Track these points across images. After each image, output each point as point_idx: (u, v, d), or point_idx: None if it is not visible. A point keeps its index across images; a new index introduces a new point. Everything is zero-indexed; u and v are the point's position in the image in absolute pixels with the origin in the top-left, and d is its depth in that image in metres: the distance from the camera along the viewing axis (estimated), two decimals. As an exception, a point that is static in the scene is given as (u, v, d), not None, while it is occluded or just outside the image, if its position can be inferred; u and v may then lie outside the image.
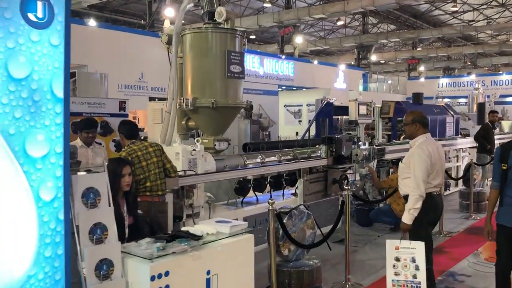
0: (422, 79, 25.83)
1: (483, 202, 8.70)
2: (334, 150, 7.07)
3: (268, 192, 6.94)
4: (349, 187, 7.46)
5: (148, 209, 4.51)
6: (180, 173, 5.06)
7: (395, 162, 8.10)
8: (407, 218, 4.20)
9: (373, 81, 27.07)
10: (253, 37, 31.75)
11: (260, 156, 6.48)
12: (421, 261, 3.80)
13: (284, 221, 4.37)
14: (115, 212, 3.72)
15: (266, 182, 6.68)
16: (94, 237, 3.00)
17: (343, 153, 7.16)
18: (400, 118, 12.71)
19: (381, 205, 7.89)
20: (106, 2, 21.77)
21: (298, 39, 21.69)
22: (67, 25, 2.89)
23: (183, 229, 3.59)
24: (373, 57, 26.28)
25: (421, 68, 29.31)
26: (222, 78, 5.61)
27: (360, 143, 7.89)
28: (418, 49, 30.08)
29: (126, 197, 3.88)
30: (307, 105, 20.37)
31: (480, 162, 9.79)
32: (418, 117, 4.44)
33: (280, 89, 20.23)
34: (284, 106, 21.45)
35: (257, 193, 6.65)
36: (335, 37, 29.72)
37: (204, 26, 5.81)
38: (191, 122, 6.03)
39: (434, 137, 11.66)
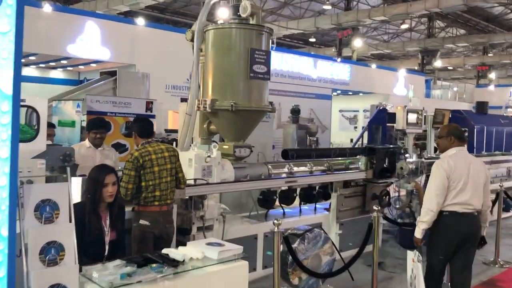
0: (491, 87, 23.86)
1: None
2: (374, 162, 6.31)
3: (299, 204, 6.32)
4: (391, 204, 6.71)
5: (156, 219, 4.06)
6: (190, 181, 4.57)
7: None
8: (417, 231, 4.05)
9: (437, 88, 25.41)
10: (313, 40, 31.00)
11: (287, 166, 5.86)
12: (420, 282, 3.68)
13: (295, 245, 3.74)
14: (94, 226, 3.29)
15: (295, 194, 6.06)
16: (47, 258, 2.55)
17: (385, 165, 6.38)
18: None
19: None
20: (168, 4, 21.96)
21: (357, 42, 20.69)
22: (20, 9, 2.46)
23: (164, 251, 3.07)
24: (438, 63, 24.60)
25: (492, 75, 27.16)
26: (244, 78, 5.06)
27: (407, 155, 7.05)
28: (489, 54, 27.96)
29: (110, 209, 3.43)
30: (363, 110, 19.38)
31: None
32: (453, 130, 4.25)
33: (335, 93, 19.41)
34: (339, 111, 20.56)
35: (284, 205, 6.04)
36: (399, 41, 28.27)
37: (229, 22, 5.28)
38: (213, 126, 5.53)
39: (500, 151, 10.51)
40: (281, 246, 3.64)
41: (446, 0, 17.09)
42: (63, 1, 20.87)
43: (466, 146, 4.80)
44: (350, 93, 19.41)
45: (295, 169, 5.92)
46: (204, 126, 5.61)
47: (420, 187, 6.79)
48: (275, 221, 3.58)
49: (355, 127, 19.74)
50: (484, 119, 11.59)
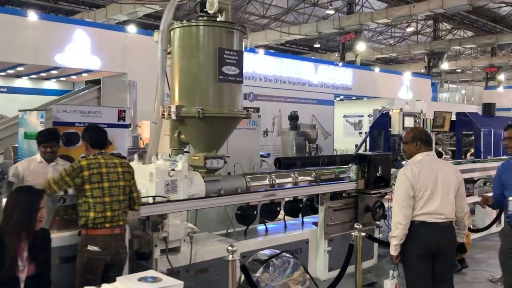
0: (500, 89, 23.00)
1: None
2: (366, 170, 5.68)
3: (284, 219, 5.71)
4: (386, 216, 6.06)
5: (108, 244, 3.49)
6: (148, 199, 4.00)
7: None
8: (390, 247, 3.68)
9: (445, 91, 24.61)
10: (317, 45, 30.43)
11: (269, 178, 5.26)
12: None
13: (257, 274, 3.14)
14: (8, 262, 2.71)
15: (279, 208, 5.44)
16: None
17: (378, 174, 5.74)
18: (466, 132, 10.90)
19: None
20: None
21: (360, 46, 20.08)
22: None
23: (85, 290, 2.49)
24: (445, 65, 23.84)
25: (501, 76, 26.28)
26: (213, 82, 4.49)
27: (403, 162, 6.41)
28: (498, 55, 27.10)
29: (33, 237, 2.85)
30: (368, 115, 18.70)
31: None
32: (419, 134, 3.84)
33: (338, 99, 18.77)
34: (344, 116, 19.90)
35: (266, 221, 5.43)
36: (405, 44, 27.55)
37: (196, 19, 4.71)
38: (183, 135, 4.96)
39: (509, 156, 9.73)
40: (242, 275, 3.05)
41: (450, 0, 16.41)
42: (64, 13, 20.63)
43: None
44: (354, 98, 18.75)
45: (278, 180, 5.33)
46: (175, 135, 5.04)
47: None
48: (229, 248, 2.98)
49: (360, 133, 19.04)
50: (491, 122, 10.87)
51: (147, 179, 4.18)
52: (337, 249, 5.54)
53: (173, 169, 4.20)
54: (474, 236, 7.28)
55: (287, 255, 3.31)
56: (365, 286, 5.32)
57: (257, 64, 14.11)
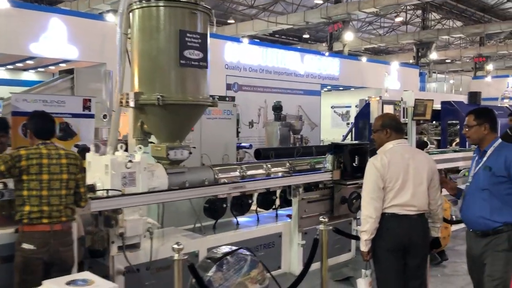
0: (488, 78, 22.81)
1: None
2: (342, 160, 5.41)
3: (256, 212, 5.44)
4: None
5: (45, 242, 3.19)
6: (102, 193, 3.70)
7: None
8: (360, 243, 3.46)
9: (433, 81, 24.38)
10: (306, 36, 30.06)
11: (239, 169, 4.98)
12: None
13: (210, 273, 2.85)
14: None
15: (250, 201, 5.17)
16: None
17: (355, 164, 5.48)
18: (451, 121, 10.67)
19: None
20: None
21: (348, 36, 19.75)
22: None
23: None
24: (434, 55, 23.57)
25: (489, 66, 26.09)
26: (174, 66, 4.17)
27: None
28: (487, 45, 26.89)
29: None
30: (356, 106, 18.43)
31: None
32: (389, 121, 3.57)
33: (326, 89, 18.49)
34: (332, 107, 19.63)
35: (237, 214, 5.16)
36: (394, 35, 27.25)
37: None
38: (146, 125, 4.64)
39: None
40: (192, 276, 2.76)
41: (437, -11, 16.12)
42: (47, 3, 20.10)
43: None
44: (341, 88, 18.48)
45: (249, 172, 5.04)
46: (138, 124, 4.72)
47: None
48: (175, 246, 2.70)
49: (348, 123, 18.79)
50: (477, 111, 10.63)
51: (102, 172, 3.89)
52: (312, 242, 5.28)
53: (130, 161, 3.90)
54: (456, 227, 7.05)
55: (244, 252, 3.03)
56: (341, 280, 5.09)
57: (242, 53, 13.77)
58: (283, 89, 14.95)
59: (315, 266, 4.33)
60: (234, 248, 3.03)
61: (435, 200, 3.52)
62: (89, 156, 4.10)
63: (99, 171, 3.90)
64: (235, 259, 2.89)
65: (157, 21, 4.20)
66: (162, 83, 4.19)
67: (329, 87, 17.90)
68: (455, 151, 7.44)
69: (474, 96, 11.11)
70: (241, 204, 5.06)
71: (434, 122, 11.48)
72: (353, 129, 12.56)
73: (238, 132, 11.49)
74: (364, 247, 3.38)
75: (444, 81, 24.32)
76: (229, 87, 13.59)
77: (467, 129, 3.32)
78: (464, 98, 21.50)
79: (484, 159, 3.22)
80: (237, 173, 4.93)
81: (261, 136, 13.69)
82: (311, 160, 5.78)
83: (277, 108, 11.93)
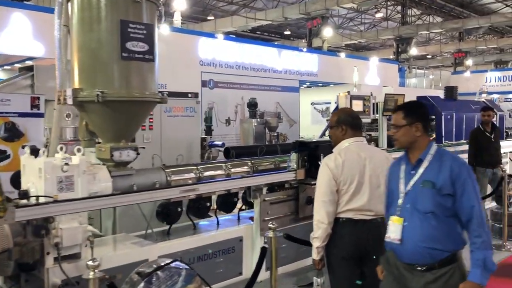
0: (467, 73, 22.73)
1: (526, 227, 6.36)
2: (306, 159, 5.09)
3: (215, 215, 5.11)
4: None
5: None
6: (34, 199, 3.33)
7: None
8: (312, 250, 3.15)
9: (413, 76, 24.26)
10: (288, 32, 29.77)
11: (195, 170, 4.63)
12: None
13: (137, 291, 2.51)
14: None
15: (208, 203, 4.83)
16: None
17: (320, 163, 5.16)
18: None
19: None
20: None
21: (327, 32, 19.47)
22: None
23: None
24: (414, 51, 23.44)
25: (469, 62, 26.05)
26: (116, 60, 3.81)
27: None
28: (466, 40, 26.84)
29: None
30: (335, 102, 18.18)
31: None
32: (344, 117, 3.24)
33: (305, 86, 18.20)
34: (311, 104, 19.34)
35: (195, 218, 4.82)
36: (374, 30, 27.10)
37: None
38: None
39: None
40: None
41: (415, -17, 15.91)
42: None
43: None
44: (320, 84, 18.19)
45: (206, 173, 4.70)
46: (83, 124, 4.36)
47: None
48: (90, 263, 2.35)
49: (327, 120, 18.53)
50: (453, 106, 10.42)
51: (36, 175, 3.51)
52: (279, 247, 4.96)
53: (66, 164, 3.53)
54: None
55: (180, 265, 2.69)
56: (304, 286, 4.79)
57: (217, 50, 13.39)
58: (260, 86, 14.59)
59: (280, 270, 4.04)
60: (168, 261, 2.68)
61: None
62: (23, 158, 3.73)
63: (34, 175, 3.53)
64: (166, 274, 2.55)
65: (97, 11, 3.83)
66: (103, 78, 3.83)
67: (308, 83, 17.60)
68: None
69: (450, 91, 10.88)
70: (198, 208, 4.71)
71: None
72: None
73: (211, 130, 11.22)
74: (316, 255, 3.09)
75: (423, 76, 24.19)
76: (204, 84, 13.20)
77: (394, 130, 2.66)
78: (443, 93, 21.47)
79: (420, 171, 2.49)
80: (192, 175, 4.59)
81: (238, 134, 13.34)
82: (276, 159, 5.45)
83: (252, 105, 11.62)
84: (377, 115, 6.45)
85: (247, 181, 4.60)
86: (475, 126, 10.84)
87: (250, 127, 11.23)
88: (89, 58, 3.85)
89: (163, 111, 5.95)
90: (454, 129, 10.08)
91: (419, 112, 2.58)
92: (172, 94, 6.09)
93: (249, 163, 5.12)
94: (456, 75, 23.56)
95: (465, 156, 7.23)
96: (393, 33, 23.39)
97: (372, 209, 3.06)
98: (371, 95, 6.10)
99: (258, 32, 30.93)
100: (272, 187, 5.00)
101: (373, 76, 18.63)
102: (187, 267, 2.67)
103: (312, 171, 5.08)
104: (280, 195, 5.01)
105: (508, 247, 6.01)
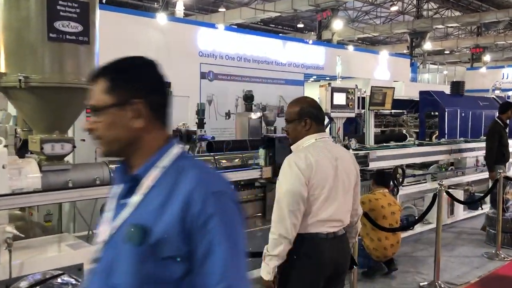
0: (483, 69, 21.74)
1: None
2: (274, 156, 4.59)
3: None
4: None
5: None
6: None
7: (380, 174, 5.44)
8: (263, 269, 2.47)
9: (426, 72, 23.37)
10: (301, 25, 29.08)
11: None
12: None
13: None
14: None
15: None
16: None
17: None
18: (430, 112, 9.81)
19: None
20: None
21: (337, 24, 18.79)
22: None
23: None
24: (428, 45, 22.55)
25: (486, 57, 24.99)
26: (42, 41, 3.36)
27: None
28: (485, 35, 25.75)
29: None
30: (318, 98, 17.49)
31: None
32: (308, 108, 2.61)
33: (312, 79, 17.60)
34: (318, 98, 18.72)
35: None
36: (387, 24, 26.22)
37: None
38: (25, 112, 3.85)
39: (477, 138, 8.68)
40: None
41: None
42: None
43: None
44: (328, 78, 17.54)
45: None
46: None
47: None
48: None
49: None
50: (458, 102, 9.74)
51: None
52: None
53: (-20, 156, 3.11)
54: (421, 228, 6.25)
55: (66, 279, 2.24)
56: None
57: (217, 41, 12.92)
58: (263, 79, 14.08)
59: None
60: (56, 273, 2.24)
61: (356, 209, 2.71)
62: None
63: None
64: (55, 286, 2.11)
65: (23, -14, 3.38)
66: (30, 62, 3.38)
67: (315, 77, 16.99)
68: (418, 145, 6.60)
69: (456, 86, 10.18)
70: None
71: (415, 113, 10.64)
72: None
73: (203, 123, 10.72)
74: (270, 275, 2.44)
75: (437, 71, 23.28)
76: (203, 75, 12.77)
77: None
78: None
79: (134, 200, 1.27)
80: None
81: (232, 128, 12.91)
82: (244, 155, 4.97)
83: (248, 97, 11.08)
84: (363, 110, 5.90)
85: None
86: (483, 123, 10.21)
87: (245, 121, 10.73)
88: (13, 39, 3.41)
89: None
90: (458, 126, 9.41)
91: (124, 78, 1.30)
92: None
93: (212, 159, 4.64)
94: (471, 71, 22.58)
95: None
96: (407, 27, 22.54)
97: (341, 219, 2.54)
98: (356, 87, 5.56)
99: (271, 25, 30.36)
100: (236, 186, 4.52)
101: (383, 71, 17.91)
102: (76, 281, 2.21)
103: (277, 168, 4.58)
104: (245, 195, 4.53)
105: (502, 255, 5.42)
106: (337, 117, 5.36)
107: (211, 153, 4.78)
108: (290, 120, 2.64)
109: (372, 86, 5.94)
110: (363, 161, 5.25)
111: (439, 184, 4.63)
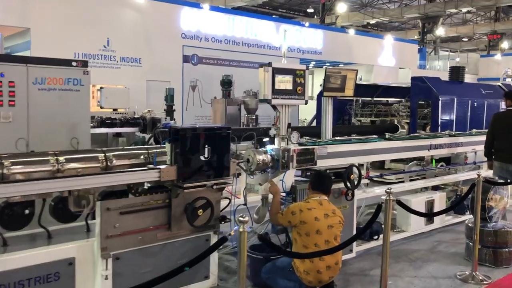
0: (497, 56, 20.04)
1: (505, 248, 4.57)
2: (180, 152, 3.55)
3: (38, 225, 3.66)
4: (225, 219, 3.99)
5: None
6: None
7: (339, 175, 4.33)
8: None
9: (437, 59, 21.78)
10: (311, 10, 27.61)
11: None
12: None
13: None
14: None
15: (28, 211, 3.38)
16: None
17: (205, 157, 3.62)
18: (422, 102, 8.57)
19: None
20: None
21: (341, 7, 17.46)
22: None
23: None
24: (441, 31, 20.95)
25: (504, 44, 23.19)
26: None
27: (265, 139, 4.30)
28: (503, 21, 23.91)
29: None
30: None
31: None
32: None
33: (311, 66, 16.34)
34: (320, 85, 17.47)
35: (9, 230, 3.39)
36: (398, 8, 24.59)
37: None
38: None
39: (476, 129, 7.43)
40: None
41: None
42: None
43: None
44: (328, 64, 16.28)
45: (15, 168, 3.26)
46: None
47: (277, 190, 3.99)
48: None
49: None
50: (456, 89, 8.46)
51: None
52: (131, 272, 3.48)
53: None
54: (392, 238, 5.13)
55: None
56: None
57: (203, 21, 11.83)
58: (253, 63, 12.90)
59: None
60: None
61: None
62: None
63: None
64: None
65: None
66: None
67: (314, 62, 15.74)
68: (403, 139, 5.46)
69: (456, 72, 8.88)
70: (10, 216, 3.27)
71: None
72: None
73: (172, 111, 9.63)
74: None
75: (447, 58, 21.65)
76: (186, 59, 11.74)
77: None
78: (470, 78, 19.04)
79: None
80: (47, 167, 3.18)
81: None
82: (149, 150, 3.93)
83: (226, 83, 10.05)
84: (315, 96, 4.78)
85: (69, 183, 3.10)
86: (485, 114, 8.90)
87: (222, 108, 9.69)
88: None
89: (31, 83, 4.54)
90: (454, 117, 8.17)
91: None
92: (46, 61, 4.66)
93: (102, 157, 3.62)
94: (485, 58, 20.91)
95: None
96: (419, 11, 20.96)
97: None
98: (307, 68, 4.44)
99: (280, 10, 29.07)
100: (131, 190, 3.50)
101: (387, 56, 16.54)
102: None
103: (187, 168, 3.54)
104: (138, 201, 3.49)
105: (479, 277, 4.26)
106: (281, 105, 4.28)
107: (98, 150, 3.74)
108: None
109: (326, 68, 4.79)
110: (308, 158, 4.16)
111: (386, 192, 3.51)
